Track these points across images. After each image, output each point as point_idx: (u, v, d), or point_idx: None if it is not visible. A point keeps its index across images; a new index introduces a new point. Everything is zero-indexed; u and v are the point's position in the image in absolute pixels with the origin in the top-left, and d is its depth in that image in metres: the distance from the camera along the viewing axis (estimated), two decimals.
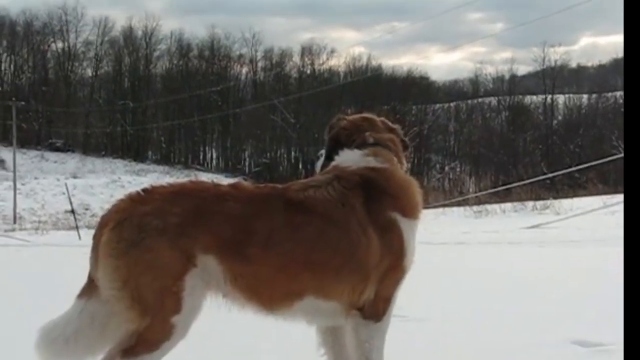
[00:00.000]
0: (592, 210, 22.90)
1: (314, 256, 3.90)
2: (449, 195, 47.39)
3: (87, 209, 73.98)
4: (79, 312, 3.62)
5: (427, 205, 34.53)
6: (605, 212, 22.82)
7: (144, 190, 3.95)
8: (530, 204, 30.33)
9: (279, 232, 3.87)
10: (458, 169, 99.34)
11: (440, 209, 33.25)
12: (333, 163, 4.38)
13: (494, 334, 5.47)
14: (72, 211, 42.57)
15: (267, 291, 3.88)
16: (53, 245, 27.64)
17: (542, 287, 7.99)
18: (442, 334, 5.39)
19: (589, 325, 5.66)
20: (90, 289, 3.67)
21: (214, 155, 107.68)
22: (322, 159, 4.73)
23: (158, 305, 3.58)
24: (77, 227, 37.38)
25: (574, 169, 34.96)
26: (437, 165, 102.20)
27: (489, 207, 31.36)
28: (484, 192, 36.90)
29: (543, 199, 32.14)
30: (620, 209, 23.57)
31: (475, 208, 31.37)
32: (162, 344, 3.60)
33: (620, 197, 28.07)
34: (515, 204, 31.99)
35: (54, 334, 3.60)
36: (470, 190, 76.65)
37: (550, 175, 36.73)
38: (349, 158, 4.35)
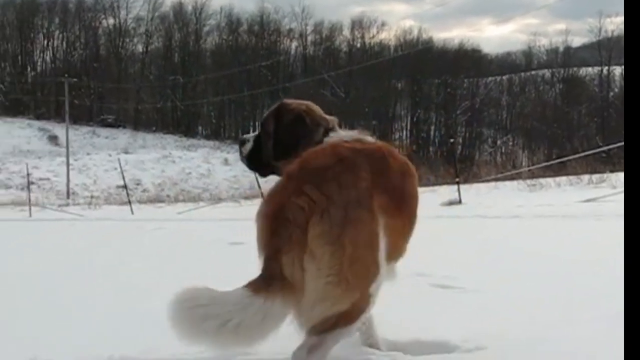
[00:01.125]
0: None
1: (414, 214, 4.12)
2: (502, 169, 47.20)
3: (138, 184, 75.47)
4: (247, 307, 3.41)
5: (479, 179, 34.61)
6: None
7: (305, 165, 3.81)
8: (586, 177, 29.85)
9: (403, 190, 4.06)
10: (510, 143, 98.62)
11: (493, 183, 33.16)
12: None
13: (553, 306, 5.33)
14: (125, 186, 43.32)
15: (400, 244, 4.02)
16: (106, 219, 28.26)
17: (601, 259, 7.73)
18: (498, 305, 5.34)
19: None
20: (267, 287, 3.45)
21: None
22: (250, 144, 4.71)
23: (369, 278, 3.61)
24: (129, 202, 38.31)
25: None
26: (489, 139, 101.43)
27: (543, 180, 31.14)
28: (537, 166, 36.60)
29: (599, 172, 31.81)
30: None
31: (529, 182, 31.07)
32: (362, 315, 3.65)
33: None
34: (571, 177, 31.78)
35: (210, 320, 3.41)
36: (523, 164, 76.19)
37: (606, 147, 36.37)
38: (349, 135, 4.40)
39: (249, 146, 4.72)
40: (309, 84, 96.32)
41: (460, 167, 45.64)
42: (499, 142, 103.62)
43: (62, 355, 4.30)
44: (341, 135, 4.37)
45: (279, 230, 3.51)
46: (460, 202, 23.67)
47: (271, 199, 3.65)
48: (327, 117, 4.64)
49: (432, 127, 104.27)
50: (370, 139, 4.31)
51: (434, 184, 34.55)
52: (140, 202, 48.71)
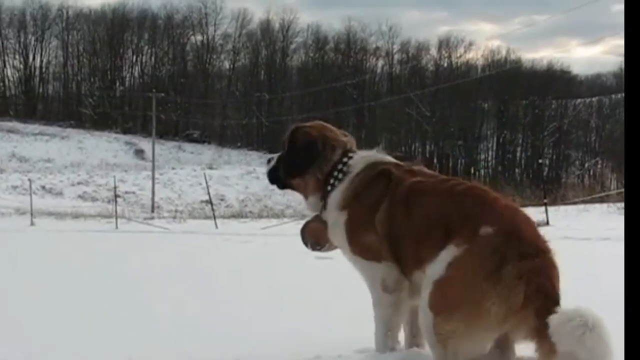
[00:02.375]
0: None
1: None
2: (590, 191, 46.47)
3: (222, 200, 76.37)
4: None
5: (567, 201, 34.13)
6: None
7: None
8: None
9: None
10: (599, 166, 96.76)
11: (582, 206, 32.68)
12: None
13: None
14: (210, 201, 43.87)
15: None
16: (192, 232, 28.79)
17: None
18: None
19: None
20: None
21: None
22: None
23: None
24: (214, 217, 38.72)
25: None
26: (577, 162, 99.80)
27: None
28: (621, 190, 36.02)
29: None
30: None
31: (619, 205, 30.75)
32: None
33: None
34: None
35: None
36: (612, 187, 74.81)
37: None
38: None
39: (271, 164, 5.33)
40: (395, 102, 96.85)
41: (547, 189, 45.20)
42: (587, 164, 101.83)
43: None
44: (362, 155, 4.96)
45: None
46: (547, 223, 23.29)
47: None
48: (344, 138, 5.10)
49: (519, 149, 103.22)
50: (390, 158, 5.00)
51: (520, 206, 34.26)
52: (223, 217, 49.22)
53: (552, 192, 45.37)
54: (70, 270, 11.47)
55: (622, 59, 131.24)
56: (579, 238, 16.26)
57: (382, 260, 4.58)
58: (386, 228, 4.51)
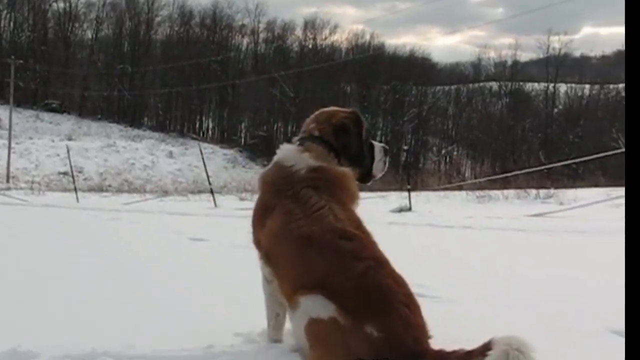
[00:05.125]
0: (597, 202, 24.05)
1: None
2: (448, 178, 48.71)
3: (80, 172, 75.70)
4: None
5: (427, 187, 35.80)
6: (609, 204, 24.07)
7: None
8: (533, 192, 31.53)
9: None
10: (455, 153, 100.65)
11: (442, 192, 34.47)
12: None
13: (527, 319, 5.57)
14: (71, 173, 44.23)
15: None
16: (53, 206, 29.18)
17: (563, 275, 8.28)
18: (474, 315, 5.58)
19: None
20: None
21: (210, 125, 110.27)
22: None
23: None
24: (75, 190, 39.16)
25: (579, 159, 36.01)
26: (434, 148, 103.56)
27: (491, 193, 32.67)
28: (486, 178, 38.08)
29: (543, 187, 33.27)
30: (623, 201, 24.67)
31: (477, 193, 32.69)
32: None
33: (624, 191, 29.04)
34: (518, 191, 33.28)
35: None
36: (467, 174, 78.06)
37: (557, 164, 37.57)
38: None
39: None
40: (259, 82, 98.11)
41: (410, 174, 47.12)
42: (443, 151, 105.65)
43: (44, 347, 4.50)
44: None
45: None
46: (410, 209, 24.74)
47: None
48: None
49: (379, 133, 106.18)
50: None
51: (381, 190, 35.80)
52: (82, 190, 49.37)
53: (412, 177, 47.31)
54: None
55: (479, 49, 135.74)
56: (442, 225, 17.09)
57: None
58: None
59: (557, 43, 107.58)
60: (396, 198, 29.57)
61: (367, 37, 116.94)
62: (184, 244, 12.09)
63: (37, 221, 18.71)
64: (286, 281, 4.36)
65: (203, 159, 37.44)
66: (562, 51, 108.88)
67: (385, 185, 43.19)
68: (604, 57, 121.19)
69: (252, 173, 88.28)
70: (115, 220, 18.94)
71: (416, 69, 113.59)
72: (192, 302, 6.19)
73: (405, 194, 27.41)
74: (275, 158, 4.76)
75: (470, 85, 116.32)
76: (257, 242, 4.64)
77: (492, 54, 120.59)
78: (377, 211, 22.56)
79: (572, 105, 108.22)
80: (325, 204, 4.35)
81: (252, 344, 4.79)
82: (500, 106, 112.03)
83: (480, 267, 8.90)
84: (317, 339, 4.04)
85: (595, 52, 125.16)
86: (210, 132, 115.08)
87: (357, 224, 4.40)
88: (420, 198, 29.91)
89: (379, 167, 4.98)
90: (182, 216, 21.94)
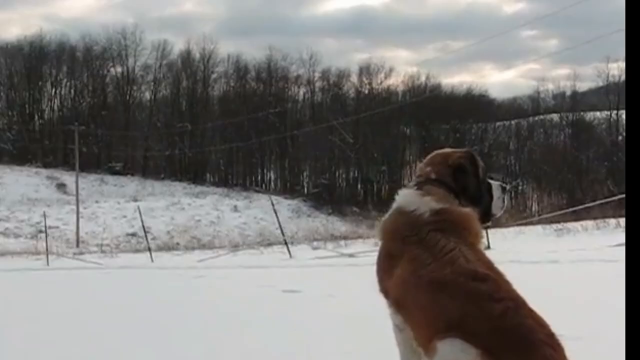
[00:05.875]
0: None
1: None
2: (518, 214, 48.18)
3: (147, 232, 75.63)
4: None
5: (500, 224, 35.59)
6: None
7: None
8: (612, 221, 31.04)
9: None
10: (520, 187, 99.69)
11: (517, 228, 34.13)
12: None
13: None
14: (145, 234, 44.97)
15: None
16: (128, 267, 29.56)
17: None
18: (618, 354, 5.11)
19: None
20: None
21: (272, 177, 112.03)
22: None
23: None
24: (149, 250, 39.84)
25: None
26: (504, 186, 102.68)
27: (569, 225, 32.33)
28: (563, 211, 37.73)
29: (621, 216, 32.76)
30: None
31: (554, 226, 32.37)
32: None
33: None
34: (598, 221, 32.88)
35: None
36: (534, 208, 77.22)
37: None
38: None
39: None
40: (318, 131, 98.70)
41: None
42: (508, 186, 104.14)
43: None
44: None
45: None
46: (489, 247, 24.20)
47: None
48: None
49: None
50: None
51: None
52: (152, 250, 49.88)
53: None
54: (72, 314, 11.41)
55: (536, 82, 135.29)
56: (526, 261, 16.71)
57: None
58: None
59: (615, 70, 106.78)
60: None
61: (423, 78, 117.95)
62: (277, 296, 12.31)
63: (123, 285, 18.92)
64: (420, 328, 4.22)
65: (275, 210, 37.92)
66: (622, 78, 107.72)
67: None
68: None
69: (318, 222, 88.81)
70: (200, 277, 19.17)
71: (474, 106, 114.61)
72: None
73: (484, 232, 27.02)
74: (395, 204, 4.70)
75: (530, 118, 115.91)
76: (385, 292, 4.57)
77: (550, 86, 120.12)
78: None
79: None
80: (455, 246, 4.24)
81: None
82: (563, 137, 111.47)
83: (596, 302, 8.62)
84: None
85: None
86: (272, 184, 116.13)
87: (489, 264, 4.30)
88: (496, 236, 29.63)
89: (498, 205, 4.93)
90: (261, 269, 22.09)
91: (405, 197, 4.67)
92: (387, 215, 4.72)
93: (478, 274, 4.11)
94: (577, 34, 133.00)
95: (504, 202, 4.97)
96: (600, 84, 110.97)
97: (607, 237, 24.47)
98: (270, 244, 50.50)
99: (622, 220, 31.88)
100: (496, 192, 4.91)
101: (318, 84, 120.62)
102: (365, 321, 7.87)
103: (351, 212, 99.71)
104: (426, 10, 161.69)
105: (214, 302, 12.45)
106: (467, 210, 4.55)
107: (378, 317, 8.27)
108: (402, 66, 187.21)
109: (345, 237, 56.10)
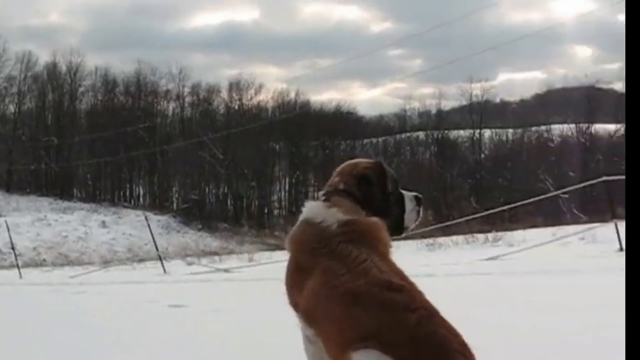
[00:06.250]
0: (545, 242, 25.23)
1: None
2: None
3: (13, 248, 73.81)
4: None
5: None
6: (558, 244, 25.26)
7: None
8: (481, 236, 32.42)
9: None
10: None
11: (394, 243, 34.95)
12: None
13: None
14: (13, 249, 43.97)
15: None
16: None
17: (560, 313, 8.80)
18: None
19: None
20: None
21: (141, 192, 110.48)
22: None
23: None
24: (17, 266, 39.00)
25: (523, 202, 36.89)
26: None
27: (440, 240, 33.56)
28: (434, 227, 39.02)
29: (482, 232, 34.45)
30: (571, 240, 27.28)
31: (426, 241, 33.53)
32: None
33: (568, 229, 30.47)
34: (467, 236, 34.30)
35: None
36: None
37: (504, 208, 38.52)
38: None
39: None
40: (187, 146, 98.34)
41: None
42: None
43: None
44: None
45: None
46: None
47: None
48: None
49: (311, 188, 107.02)
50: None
51: None
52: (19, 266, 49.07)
53: None
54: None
55: (403, 101, 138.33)
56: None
57: None
58: None
59: (478, 90, 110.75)
60: None
61: (292, 95, 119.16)
62: (164, 311, 12.47)
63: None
64: (333, 340, 4.22)
65: (149, 225, 37.98)
66: (484, 97, 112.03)
67: None
68: (522, 101, 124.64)
69: (188, 238, 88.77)
70: (81, 293, 19.20)
71: (343, 123, 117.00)
72: None
73: None
74: (302, 216, 4.67)
75: (397, 136, 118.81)
76: (295, 304, 4.56)
77: (416, 104, 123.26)
78: None
79: (498, 149, 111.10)
80: (367, 257, 4.25)
81: None
82: (429, 155, 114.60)
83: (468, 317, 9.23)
84: None
85: (514, 97, 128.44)
86: (141, 199, 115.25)
87: (401, 274, 4.35)
88: None
89: (412, 217, 4.93)
90: (138, 284, 22.40)
91: (312, 209, 4.67)
92: (294, 228, 4.70)
93: (392, 285, 4.13)
94: (441, 54, 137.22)
95: (418, 214, 4.97)
96: (464, 102, 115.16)
97: (477, 252, 25.70)
98: (142, 260, 50.56)
99: (491, 235, 33.51)
100: (409, 204, 4.92)
101: (188, 99, 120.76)
102: (255, 334, 8.51)
103: (221, 227, 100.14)
104: (295, 27, 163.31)
105: (102, 316, 12.38)
106: (375, 220, 4.55)
107: (267, 330, 8.93)
108: (271, 82, 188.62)
109: (216, 253, 56.66)
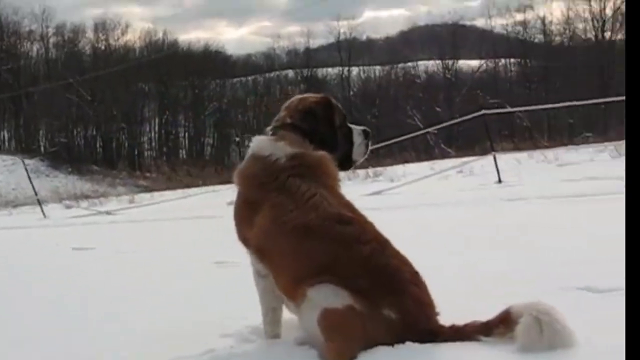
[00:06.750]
0: (426, 176, 26.34)
1: None
2: None
3: None
4: None
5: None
6: (438, 177, 26.38)
7: None
8: (361, 172, 33.08)
9: None
10: None
11: None
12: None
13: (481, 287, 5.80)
14: None
15: None
16: None
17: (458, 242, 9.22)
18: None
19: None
20: None
21: (6, 136, 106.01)
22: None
23: None
24: None
25: (400, 139, 37.37)
26: (236, 139, 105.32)
27: None
28: None
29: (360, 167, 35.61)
30: (450, 173, 28.38)
31: None
32: None
33: (446, 163, 31.65)
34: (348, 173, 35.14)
35: None
36: None
37: (383, 144, 39.82)
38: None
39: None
40: (54, 88, 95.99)
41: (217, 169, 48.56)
42: (246, 142, 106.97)
43: None
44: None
45: None
46: None
47: None
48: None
49: (181, 129, 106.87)
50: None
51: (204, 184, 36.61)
52: None
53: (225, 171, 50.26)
54: None
55: (269, 39, 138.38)
56: None
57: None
58: None
59: (345, 28, 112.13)
60: (229, 192, 30.03)
61: (160, 34, 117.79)
62: (72, 254, 12.36)
63: None
64: (285, 275, 4.29)
65: (27, 169, 37.77)
66: (352, 35, 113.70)
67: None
68: (388, 39, 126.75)
69: (58, 181, 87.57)
70: None
71: (212, 63, 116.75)
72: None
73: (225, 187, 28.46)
74: (250, 151, 4.77)
75: (266, 74, 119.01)
76: (245, 240, 4.62)
77: (284, 43, 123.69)
78: (211, 205, 24.83)
79: (366, 87, 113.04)
80: (316, 191, 4.33)
81: (250, 343, 4.76)
82: (298, 93, 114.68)
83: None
84: (333, 330, 3.95)
85: (380, 34, 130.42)
86: (7, 144, 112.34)
87: (351, 207, 4.43)
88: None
89: (360, 151, 4.97)
90: (24, 229, 22.34)
91: (259, 143, 4.75)
92: (242, 163, 4.79)
93: (343, 218, 4.23)
94: None
95: (366, 147, 5.00)
96: (331, 40, 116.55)
97: (360, 187, 26.21)
98: (16, 205, 50.19)
99: (371, 171, 34.30)
100: (357, 138, 4.94)
101: (52, 40, 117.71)
102: (163, 274, 8.77)
103: (92, 170, 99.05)
104: None
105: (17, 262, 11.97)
106: (323, 153, 4.62)
107: (175, 268, 9.62)
108: (138, 22, 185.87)
109: (88, 196, 56.40)
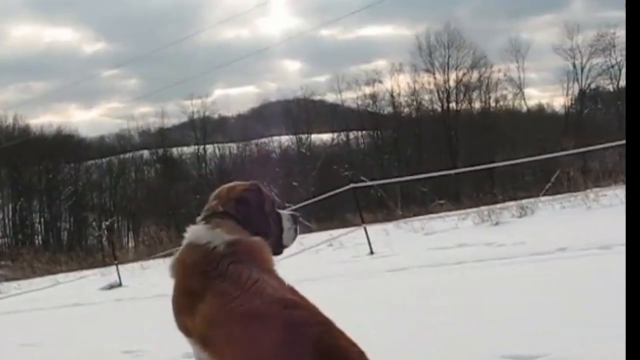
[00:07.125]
0: (297, 252, 25.90)
1: None
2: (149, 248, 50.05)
3: None
4: None
5: (130, 259, 37.00)
6: (309, 251, 26.17)
7: None
8: None
9: None
10: (116, 225, 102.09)
11: (139, 263, 35.68)
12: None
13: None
14: None
15: None
16: None
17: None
18: None
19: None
20: None
21: None
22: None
23: None
24: None
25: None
26: (94, 223, 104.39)
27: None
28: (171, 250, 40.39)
29: None
30: (321, 247, 27.95)
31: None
32: None
33: (314, 238, 32.40)
34: None
35: None
36: (130, 245, 79.50)
37: None
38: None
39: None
40: None
41: (74, 254, 49.08)
42: (103, 225, 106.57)
43: None
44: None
45: None
46: (120, 284, 25.20)
47: None
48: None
49: (36, 215, 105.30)
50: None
51: (82, 267, 36.51)
52: None
53: (78, 255, 50.18)
54: None
55: (121, 120, 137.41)
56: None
57: None
58: None
59: (198, 106, 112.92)
60: (97, 277, 30.33)
61: (10, 120, 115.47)
62: None
63: None
64: None
65: None
66: (205, 113, 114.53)
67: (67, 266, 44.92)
68: (240, 116, 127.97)
69: None
70: None
71: (65, 146, 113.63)
72: None
73: (107, 269, 28.59)
74: (186, 240, 4.54)
75: (120, 156, 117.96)
76: (186, 330, 4.40)
77: (137, 123, 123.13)
78: (86, 291, 24.59)
79: (222, 164, 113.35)
80: (257, 276, 4.21)
81: None
82: (154, 173, 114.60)
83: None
84: None
85: (231, 112, 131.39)
86: None
87: (293, 290, 4.31)
88: (124, 272, 28.72)
89: (290, 236, 4.93)
90: None
91: (195, 231, 4.54)
92: (180, 252, 4.56)
93: (288, 302, 4.10)
94: (157, 73, 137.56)
95: (295, 232, 4.96)
96: (185, 119, 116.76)
97: None
98: None
99: None
100: (286, 223, 4.90)
101: None
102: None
103: None
104: (4, 51, 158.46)
105: None
106: (258, 239, 4.52)
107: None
108: None
109: None
